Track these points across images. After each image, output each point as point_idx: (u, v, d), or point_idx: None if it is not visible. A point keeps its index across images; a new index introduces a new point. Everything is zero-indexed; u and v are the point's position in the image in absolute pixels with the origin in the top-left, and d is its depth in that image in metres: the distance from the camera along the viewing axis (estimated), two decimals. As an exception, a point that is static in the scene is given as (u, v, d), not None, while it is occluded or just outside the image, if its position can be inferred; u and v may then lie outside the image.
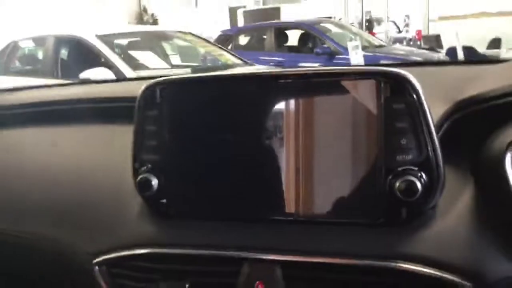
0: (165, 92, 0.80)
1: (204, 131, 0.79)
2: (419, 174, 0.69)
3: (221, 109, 0.79)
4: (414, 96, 0.70)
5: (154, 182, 0.79)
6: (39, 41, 5.56)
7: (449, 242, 0.69)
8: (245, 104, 0.78)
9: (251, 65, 5.35)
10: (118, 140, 0.98)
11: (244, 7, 12.51)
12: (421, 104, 0.69)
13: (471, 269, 0.66)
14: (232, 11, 12.23)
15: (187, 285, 0.77)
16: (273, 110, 0.76)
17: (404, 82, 0.70)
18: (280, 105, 0.76)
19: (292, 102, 0.75)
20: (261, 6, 12.74)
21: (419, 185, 0.68)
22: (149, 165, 0.80)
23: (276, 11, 10.99)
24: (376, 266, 0.69)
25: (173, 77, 0.82)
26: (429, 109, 0.70)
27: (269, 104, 0.76)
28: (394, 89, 0.71)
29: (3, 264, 1.03)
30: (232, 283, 0.74)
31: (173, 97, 0.80)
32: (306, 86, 0.76)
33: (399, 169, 0.70)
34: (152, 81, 0.81)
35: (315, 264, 0.72)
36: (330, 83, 0.75)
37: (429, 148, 0.69)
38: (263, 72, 0.80)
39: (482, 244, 0.68)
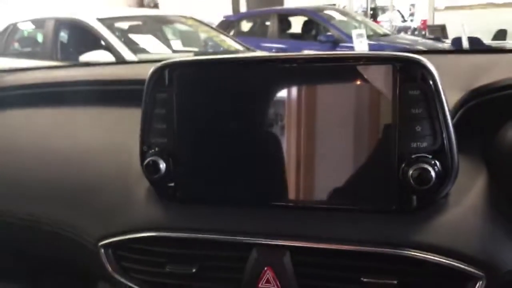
0: (174, 74, 0.79)
1: (213, 114, 0.78)
2: (433, 162, 0.68)
3: (231, 93, 0.77)
4: (431, 82, 0.69)
5: (162, 165, 0.79)
6: (38, 23, 5.49)
7: (461, 231, 0.68)
8: (256, 88, 0.77)
9: (253, 51, 5.30)
10: (125, 123, 0.98)
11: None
12: (438, 91, 0.68)
13: (483, 258, 0.66)
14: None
15: (194, 269, 0.76)
16: (284, 94, 0.75)
17: (421, 68, 0.69)
18: (293, 89, 0.75)
19: (305, 86, 0.74)
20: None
21: (432, 173, 0.68)
22: (157, 148, 0.80)
23: (279, -3, 10.86)
24: (386, 254, 0.69)
25: (183, 59, 0.81)
26: (445, 96, 0.69)
27: (281, 88, 0.75)
28: (410, 75, 0.69)
29: (10, 245, 1.04)
30: (241, 268, 0.74)
31: (182, 80, 0.79)
32: (321, 70, 0.74)
33: (413, 156, 0.69)
34: (161, 63, 0.80)
35: (325, 250, 0.71)
36: (345, 68, 0.73)
37: (444, 136, 0.69)
38: (275, 55, 0.78)
39: (494, 234, 0.68)
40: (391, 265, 0.69)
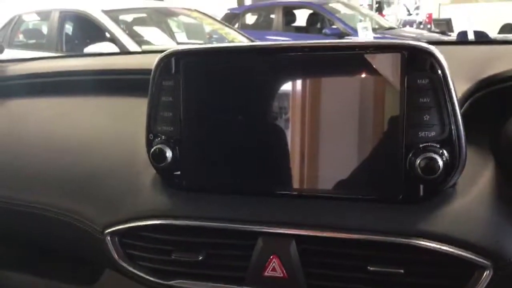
0: (181, 62, 0.79)
1: (219, 103, 0.77)
2: (441, 152, 0.68)
3: (237, 81, 0.77)
4: (439, 71, 0.68)
5: (168, 153, 0.79)
6: (43, 15, 5.50)
7: (468, 221, 0.68)
8: (262, 76, 0.76)
9: (257, 44, 5.26)
10: (131, 112, 0.99)
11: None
12: (446, 80, 0.68)
13: (490, 248, 0.65)
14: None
15: (200, 257, 0.76)
16: (290, 83, 0.74)
17: (429, 57, 0.68)
18: (299, 78, 0.74)
19: (311, 75, 0.73)
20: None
21: (440, 162, 0.67)
22: (163, 137, 0.80)
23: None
24: (392, 243, 0.68)
25: (189, 47, 0.81)
26: (453, 86, 0.68)
27: (287, 77, 0.74)
28: (419, 64, 0.69)
29: (16, 233, 1.04)
30: (247, 256, 0.74)
31: (188, 68, 0.79)
32: (328, 59, 0.73)
33: (421, 146, 0.69)
34: (168, 51, 0.80)
35: (331, 239, 0.70)
36: (353, 56, 0.72)
37: (452, 125, 0.68)
38: (282, 44, 0.76)
39: (502, 223, 0.67)
40: (398, 254, 0.69)
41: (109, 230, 0.82)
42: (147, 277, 0.80)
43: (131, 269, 0.81)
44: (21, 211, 0.95)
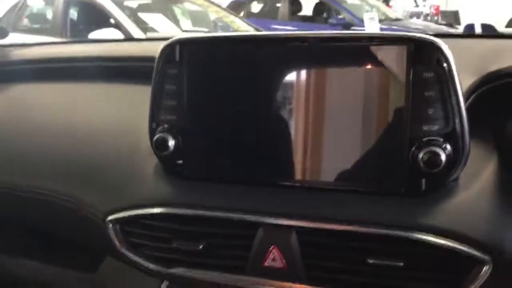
0: (185, 51, 0.78)
1: (223, 92, 0.77)
2: (444, 145, 0.67)
3: (241, 70, 0.77)
4: (445, 65, 0.67)
5: (171, 142, 0.79)
6: (48, -1, 5.48)
7: (470, 215, 0.68)
8: (267, 66, 0.76)
9: (263, 33, 5.25)
10: (134, 100, 0.98)
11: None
12: (452, 73, 0.67)
13: (490, 243, 0.65)
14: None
15: (200, 246, 0.77)
16: (295, 73, 0.74)
17: (435, 50, 0.68)
18: (304, 69, 0.74)
19: (316, 65, 0.73)
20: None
21: (443, 156, 0.67)
22: (166, 125, 0.80)
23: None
24: (393, 236, 0.68)
25: (194, 35, 0.81)
26: (459, 80, 0.67)
27: (292, 67, 0.74)
28: (425, 57, 0.68)
29: (18, 218, 1.05)
30: (247, 246, 0.75)
31: (192, 56, 0.78)
32: (333, 50, 0.73)
33: (424, 139, 0.68)
34: (172, 39, 0.79)
35: (331, 231, 0.71)
36: (358, 48, 0.71)
37: (456, 119, 0.68)
38: (287, 34, 0.76)
39: (503, 219, 0.67)
40: (398, 247, 0.69)
41: (111, 217, 0.83)
42: (148, 264, 0.81)
43: (132, 256, 0.82)
44: (23, 196, 0.95)
